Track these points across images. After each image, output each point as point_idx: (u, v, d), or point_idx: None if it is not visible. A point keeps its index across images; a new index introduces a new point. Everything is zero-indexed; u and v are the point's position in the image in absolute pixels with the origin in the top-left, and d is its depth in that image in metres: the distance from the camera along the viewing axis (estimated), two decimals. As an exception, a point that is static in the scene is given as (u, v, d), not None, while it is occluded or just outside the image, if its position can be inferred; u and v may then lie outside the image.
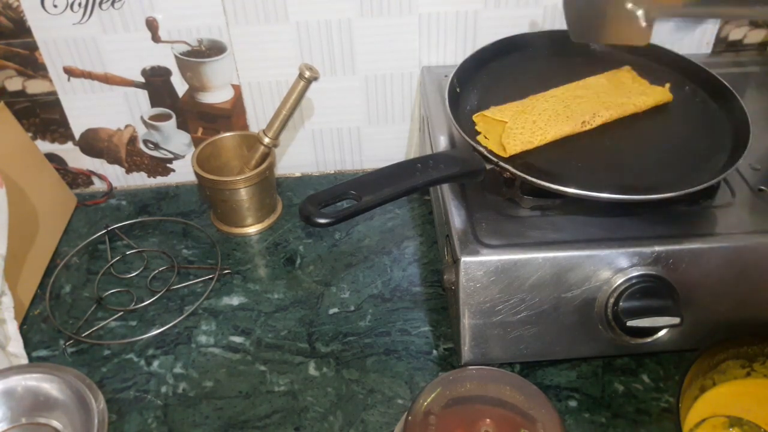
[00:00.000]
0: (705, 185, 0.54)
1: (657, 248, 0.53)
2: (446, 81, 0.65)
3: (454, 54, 0.78)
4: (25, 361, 0.62)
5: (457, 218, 0.57)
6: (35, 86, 0.77)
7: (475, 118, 0.62)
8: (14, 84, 0.76)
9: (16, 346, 0.62)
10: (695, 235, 0.55)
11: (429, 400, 0.46)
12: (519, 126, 0.59)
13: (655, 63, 0.70)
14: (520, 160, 0.57)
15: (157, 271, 0.72)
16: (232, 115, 0.82)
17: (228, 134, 0.78)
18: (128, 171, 0.86)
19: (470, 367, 0.54)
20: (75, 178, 0.85)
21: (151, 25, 0.73)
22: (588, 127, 0.60)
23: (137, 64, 0.76)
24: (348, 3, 0.73)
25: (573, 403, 0.58)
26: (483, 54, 0.70)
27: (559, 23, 0.76)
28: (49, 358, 0.64)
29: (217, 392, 0.61)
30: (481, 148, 0.58)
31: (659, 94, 0.64)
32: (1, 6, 0.70)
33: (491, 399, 0.46)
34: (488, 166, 0.57)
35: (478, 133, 0.61)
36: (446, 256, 0.59)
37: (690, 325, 0.55)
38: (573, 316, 0.55)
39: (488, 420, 0.45)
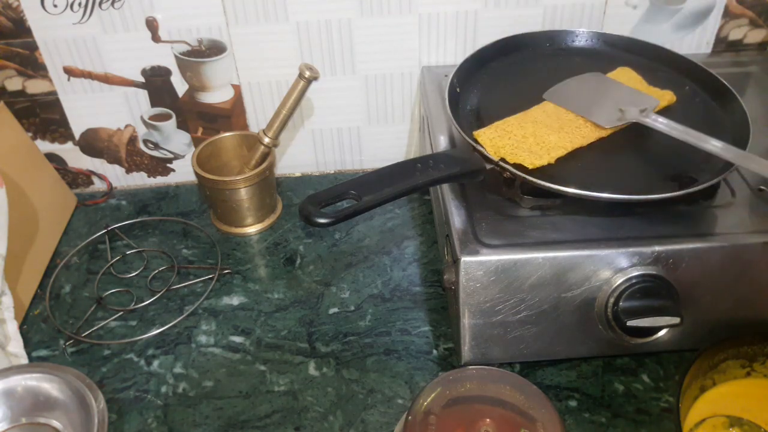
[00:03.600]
0: (705, 185, 0.54)
1: (657, 248, 0.53)
2: (446, 81, 0.65)
3: (454, 54, 0.78)
4: (25, 361, 0.62)
5: (457, 218, 0.57)
6: (35, 86, 0.77)
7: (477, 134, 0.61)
8: (14, 84, 0.76)
9: (16, 345, 0.62)
10: (695, 235, 0.55)
11: (429, 400, 0.46)
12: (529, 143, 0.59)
13: (655, 63, 0.70)
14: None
15: (157, 271, 0.72)
16: (232, 115, 0.82)
17: (228, 134, 0.78)
18: (128, 171, 0.86)
19: (470, 367, 0.54)
20: (75, 178, 0.85)
21: (151, 25, 0.73)
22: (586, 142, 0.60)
23: (137, 64, 0.76)
24: (348, 3, 0.73)
25: (573, 403, 0.58)
26: (483, 54, 0.70)
27: (559, 23, 0.76)
28: (49, 358, 0.64)
29: (217, 392, 0.61)
30: (480, 148, 0.58)
31: (660, 98, 0.63)
32: (1, 6, 0.70)
33: (491, 399, 0.46)
34: (488, 166, 0.57)
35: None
36: (446, 256, 0.59)
37: (690, 325, 0.55)
38: (573, 316, 0.55)
39: (488, 420, 0.45)
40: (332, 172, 0.87)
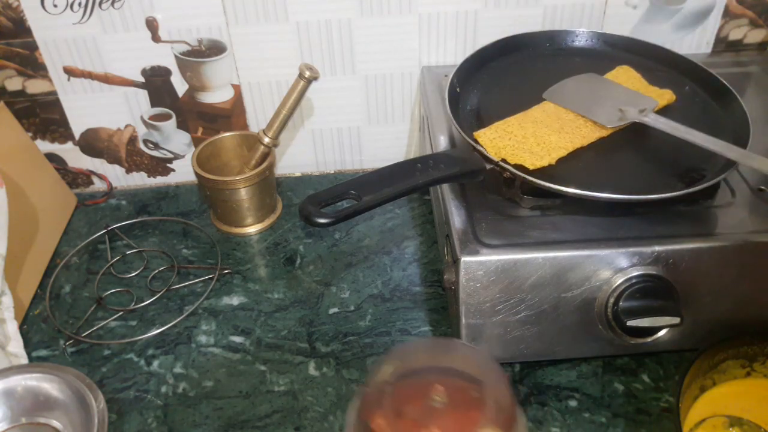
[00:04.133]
0: (705, 185, 0.54)
1: (657, 248, 0.53)
2: (446, 81, 0.65)
3: (454, 54, 0.78)
4: (25, 361, 0.62)
5: (457, 218, 0.57)
6: (35, 86, 0.77)
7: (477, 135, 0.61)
8: (14, 84, 0.76)
9: (16, 345, 0.62)
10: (695, 235, 0.55)
11: (386, 371, 0.48)
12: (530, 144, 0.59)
13: (655, 63, 0.70)
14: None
15: (157, 271, 0.72)
16: (232, 115, 0.82)
17: (228, 134, 0.78)
18: (128, 171, 0.86)
19: (424, 338, 0.59)
20: (75, 178, 0.85)
21: (151, 25, 0.73)
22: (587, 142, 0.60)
23: (137, 64, 0.76)
24: (348, 3, 0.73)
25: (573, 403, 0.58)
26: (483, 54, 0.70)
27: (559, 23, 0.76)
28: (49, 358, 0.64)
29: (217, 392, 0.61)
30: (480, 148, 0.58)
31: (659, 97, 0.63)
32: (1, 6, 0.70)
33: (444, 368, 0.49)
34: (488, 166, 0.57)
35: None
36: (446, 256, 0.59)
37: (690, 325, 0.55)
38: (573, 316, 0.55)
39: (440, 387, 0.47)
40: (332, 172, 0.87)
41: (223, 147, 0.78)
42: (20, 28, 0.72)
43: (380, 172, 0.55)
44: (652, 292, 0.53)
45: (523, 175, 0.55)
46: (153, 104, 0.80)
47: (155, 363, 0.63)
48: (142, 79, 0.77)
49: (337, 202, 0.54)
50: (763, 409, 0.53)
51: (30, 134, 0.80)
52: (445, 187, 0.61)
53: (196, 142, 0.83)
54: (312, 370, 0.62)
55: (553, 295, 0.54)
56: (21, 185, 0.71)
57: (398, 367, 0.49)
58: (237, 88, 0.79)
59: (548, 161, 0.56)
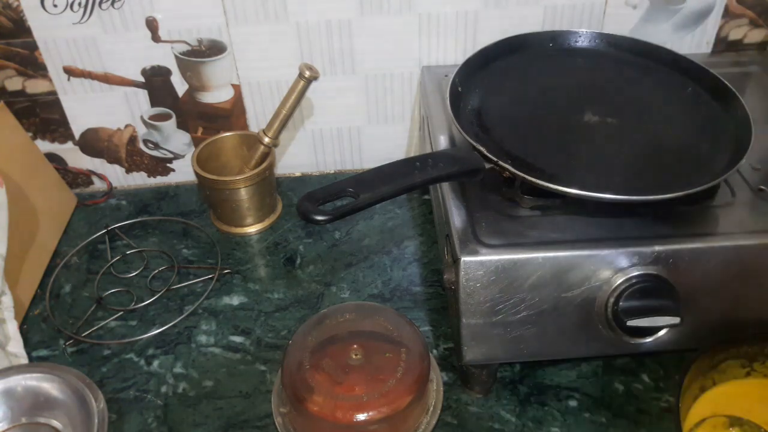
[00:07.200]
0: (705, 186, 0.54)
1: (657, 248, 0.53)
2: (446, 81, 0.65)
3: (455, 54, 0.78)
4: (25, 360, 0.62)
5: (457, 218, 0.57)
6: (35, 86, 0.77)
7: None
8: (14, 84, 0.76)
9: (16, 345, 0.62)
10: (695, 235, 0.55)
11: (309, 330, 0.55)
12: None
13: (656, 63, 0.69)
14: (521, 159, 0.57)
15: (157, 271, 0.72)
16: (232, 114, 0.82)
17: (228, 134, 0.78)
18: (128, 171, 0.86)
19: (346, 303, 0.64)
20: (75, 178, 0.85)
21: (151, 25, 0.73)
22: None
23: (137, 64, 0.76)
24: (348, 3, 0.73)
25: (573, 403, 0.58)
26: (485, 53, 0.70)
27: (559, 23, 0.76)
28: (49, 357, 0.64)
29: (217, 392, 0.61)
30: (480, 148, 0.58)
31: None
32: (1, 6, 0.70)
33: (364, 332, 0.56)
34: (488, 166, 0.57)
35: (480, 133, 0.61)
36: (446, 255, 0.59)
37: (690, 325, 0.55)
38: (573, 316, 0.55)
39: (356, 346, 0.54)
40: (332, 172, 0.87)
41: (223, 147, 0.78)
42: (20, 28, 0.72)
43: (378, 170, 0.55)
44: (652, 292, 0.53)
45: (523, 175, 0.55)
46: (153, 104, 0.80)
47: (155, 363, 0.63)
48: (142, 79, 0.77)
49: (335, 199, 0.53)
50: (763, 409, 0.53)
51: (30, 134, 0.80)
52: (445, 186, 0.61)
53: (196, 142, 0.83)
54: (312, 370, 0.62)
55: (553, 295, 0.54)
56: (21, 185, 0.71)
57: (321, 325, 0.56)
58: (237, 88, 0.79)
59: None
